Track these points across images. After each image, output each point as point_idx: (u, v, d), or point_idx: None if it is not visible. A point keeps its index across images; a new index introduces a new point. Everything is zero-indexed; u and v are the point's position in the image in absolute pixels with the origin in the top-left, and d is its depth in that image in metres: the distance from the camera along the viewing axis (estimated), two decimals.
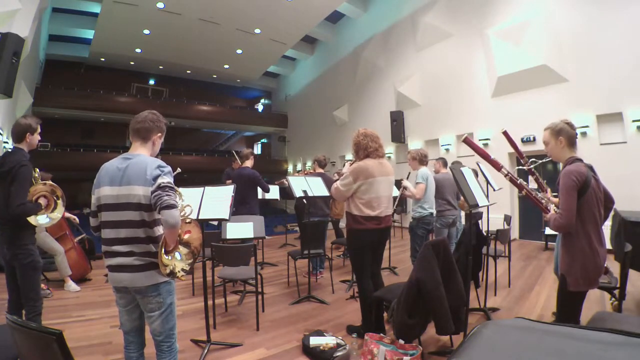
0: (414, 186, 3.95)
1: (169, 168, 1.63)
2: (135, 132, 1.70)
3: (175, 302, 1.74)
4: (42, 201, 2.33)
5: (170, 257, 1.59)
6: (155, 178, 1.55)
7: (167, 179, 1.56)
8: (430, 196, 3.96)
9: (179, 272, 1.62)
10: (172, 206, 1.48)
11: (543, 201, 2.00)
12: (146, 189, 1.54)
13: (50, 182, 2.45)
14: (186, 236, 1.68)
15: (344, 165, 3.09)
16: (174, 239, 1.58)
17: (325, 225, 4.63)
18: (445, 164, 4.53)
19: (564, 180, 1.76)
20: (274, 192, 5.95)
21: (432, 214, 3.95)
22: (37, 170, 2.47)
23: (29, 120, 2.30)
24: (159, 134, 1.76)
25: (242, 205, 4.45)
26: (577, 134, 1.92)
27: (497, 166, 2.15)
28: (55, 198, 2.41)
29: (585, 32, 6.11)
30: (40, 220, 2.33)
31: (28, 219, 2.26)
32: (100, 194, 1.61)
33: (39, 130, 2.34)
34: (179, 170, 1.88)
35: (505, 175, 2.12)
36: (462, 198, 4.53)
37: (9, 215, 2.15)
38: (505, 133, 2.53)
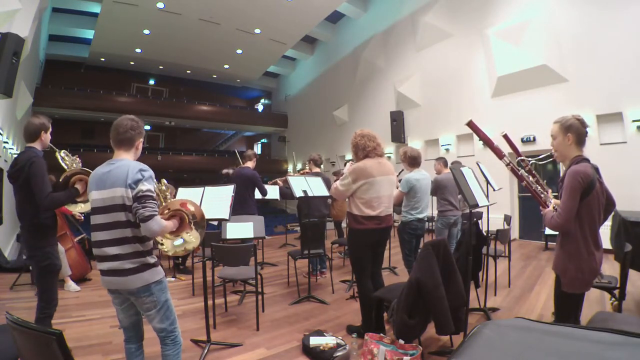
0: (397, 190, 3.79)
1: (149, 172, 1.67)
2: (119, 143, 1.74)
3: (170, 299, 1.77)
4: (79, 186, 2.30)
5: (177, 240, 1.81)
6: (136, 182, 1.60)
7: (146, 186, 1.60)
8: (418, 202, 3.81)
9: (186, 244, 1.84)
10: (147, 219, 1.54)
11: (542, 195, 1.94)
12: (128, 191, 1.59)
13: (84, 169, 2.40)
14: (191, 208, 1.82)
15: (345, 165, 3.08)
16: (169, 230, 1.72)
17: (324, 225, 4.62)
18: (446, 163, 4.45)
19: (569, 180, 1.70)
20: (273, 193, 5.93)
21: (419, 219, 3.83)
22: (64, 154, 2.45)
23: (41, 119, 2.32)
24: (141, 139, 1.82)
25: (240, 205, 4.44)
26: (587, 133, 1.82)
27: (499, 154, 2.10)
28: None
29: (585, 32, 6.11)
30: (77, 207, 2.35)
31: (67, 206, 2.31)
32: (91, 199, 1.68)
33: (50, 128, 2.37)
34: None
35: (507, 165, 2.06)
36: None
37: (43, 209, 2.17)
38: (505, 136, 2.46)
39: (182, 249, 1.84)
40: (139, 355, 1.82)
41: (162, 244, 1.81)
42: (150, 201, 1.58)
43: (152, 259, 1.69)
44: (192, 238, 1.83)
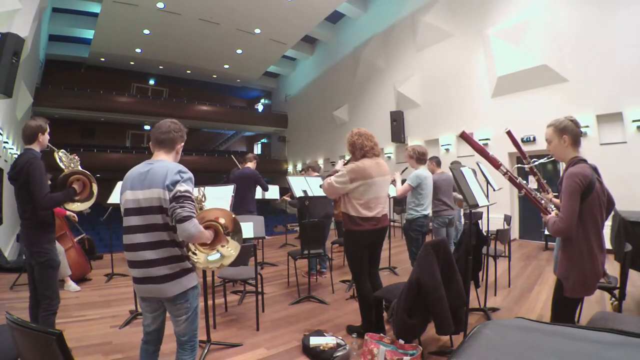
0: (405, 183, 3.79)
1: (189, 174, 1.61)
2: (159, 143, 1.70)
3: (199, 304, 1.74)
4: (76, 185, 2.37)
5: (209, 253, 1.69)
6: (174, 184, 1.54)
7: (184, 187, 1.54)
8: (424, 198, 3.79)
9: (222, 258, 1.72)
10: (184, 219, 1.46)
11: (542, 201, 1.90)
12: (165, 192, 1.54)
13: (83, 170, 2.47)
14: (222, 220, 1.71)
15: (343, 163, 3.00)
16: (201, 240, 1.62)
17: (327, 225, 4.61)
18: (438, 163, 4.38)
19: (567, 183, 1.66)
20: (273, 192, 5.99)
21: (425, 216, 3.77)
22: (62, 154, 2.49)
23: (38, 121, 2.36)
24: (182, 143, 1.78)
25: (241, 202, 4.46)
26: (582, 133, 1.79)
27: (495, 164, 1.98)
28: (90, 184, 2.45)
29: (585, 32, 6.11)
30: (74, 206, 2.41)
31: (65, 206, 2.37)
32: (124, 199, 1.63)
33: (48, 129, 2.41)
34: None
35: (504, 174, 1.96)
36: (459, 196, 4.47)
37: (42, 209, 2.23)
38: (509, 133, 2.42)
39: (219, 265, 1.71)
40: (155, 358, 1.79)
41: (195, 254, 1.68)
42: (189, 202, 1.51)
43: (189, 264, 1.64)
44: (231, 250, 1.73)
